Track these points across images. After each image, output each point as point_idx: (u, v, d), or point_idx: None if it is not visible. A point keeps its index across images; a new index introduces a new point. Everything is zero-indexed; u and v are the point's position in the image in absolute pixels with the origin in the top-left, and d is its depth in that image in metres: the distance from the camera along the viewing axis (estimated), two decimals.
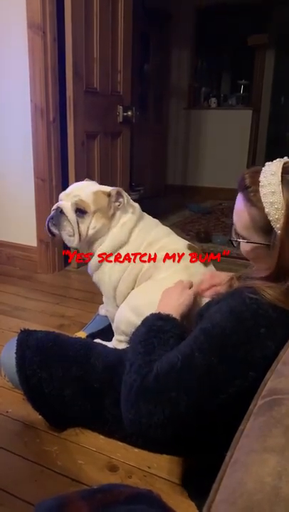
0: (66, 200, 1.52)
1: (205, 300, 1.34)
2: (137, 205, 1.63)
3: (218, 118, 5.47)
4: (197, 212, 4.59)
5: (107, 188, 1.56)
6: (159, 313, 1.13)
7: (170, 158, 5.79)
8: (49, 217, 1.53)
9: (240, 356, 0.92)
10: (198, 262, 1.52)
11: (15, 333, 1.39)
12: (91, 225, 1.51)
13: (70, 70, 2.44)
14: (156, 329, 1.06)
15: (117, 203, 1.53)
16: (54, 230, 1.53)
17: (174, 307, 1.19)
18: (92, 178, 2.72)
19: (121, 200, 1.53)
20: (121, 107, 2.88)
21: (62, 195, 1.56)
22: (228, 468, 0.59)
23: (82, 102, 2.56)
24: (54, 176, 2.59)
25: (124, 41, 2.84)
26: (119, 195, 1.52)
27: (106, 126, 2.81)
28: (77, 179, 2.58)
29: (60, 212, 1.50)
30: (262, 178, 0.97)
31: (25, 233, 2.73)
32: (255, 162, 5.56)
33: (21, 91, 2.48)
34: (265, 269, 1.04)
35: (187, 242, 1.61)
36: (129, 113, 2.93)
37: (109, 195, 1.52)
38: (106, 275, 1.57)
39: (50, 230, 1.55)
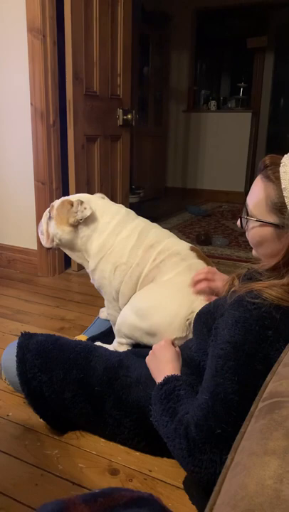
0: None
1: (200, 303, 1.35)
2: (123, 210, 1.64)
3: (217, 121, 5.49)
4: (197, 215, 4.59)
5: (75, 197, 1.64)
6: (158, 383, 1.10)
7: (170, 160, 5.80)
8: None
9: (259, 364, 0.92)
10: (202, 263, 1.52)
11: (15, 336, 1.40)
12: (54, 230, 1.63)
13: (70, 74, 2.44)
14: (164, 395, 1.04)
15: (78, 214, 1.55)
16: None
17: (164, 368, 1.14)
18: (92, 181, 2.75)
19: (78, 210, 1.54)
20: (121, 110, 2.89)
21: None
22: (229, 471, 0.59)
23: (82, 106, 2.57)
24: (54, 179, 2.59)
25: (124, 44, 2.85)
26: (79, 204, 1.55)
27: (106, 129, 2.81)
28: (77, 182, 2.59)
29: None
30: (284, 159, 0.99)
31: (25, 236, 2.74)
32: (255, 164, 5.57)
33: (21, 94, 2.49)
34: (270, 256, 1.03)
35: (189, 244, 1.61)
36: (129, 116, 2.93)
37: (72, 204, 1.57)
38: (106, 280, 1.57)
39: None
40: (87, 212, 1.55)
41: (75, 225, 1.58)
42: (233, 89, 6.21)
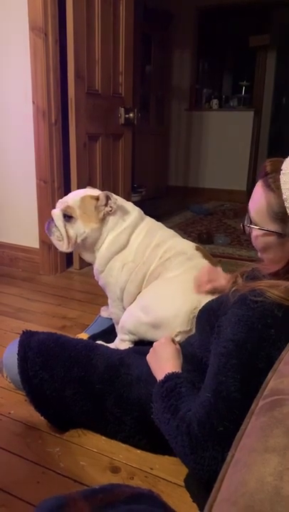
0: (58, 207, 1.58)
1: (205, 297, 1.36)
2: (136, 208, 1.64)
3: (219, 119, 5.48)
4: (199, 214, 4.59)
5: (97, 192, 1.58)
6: (159, 380, 1.10)
7: (172, 159, 5.79)
8: (46, 226, 1.61)
9: (262, 363, 0.92)
10: (207, 263, 1.55)
11: (17, 334, 1.40)
12: (80, 230, 1.54)
13: (72, 72, 2.45)
14: (165, 393, 1.04)
15: (109, 208, 1.53)
16: (48, 236, 1.60)
17: (164, 366, 1.14)
18: (94, 180, 2.75)
19: (111, 203, 1.53)
20: (123, 108, 2.89)
21: (58, 202, 1.61)
22: (229, 468, 0.59)
23: (84, 104, 2.57)
24: (56, 177, 2.59)
25: (126, 43, 2.85)
26: (108, 198, 1.53)
27: (108, 127, 2.81)
28: (79, 181, 2.59)
29: (52, 219, 1.57)
30: (284, 166, 0.98)
31: (27, 235, 2.74)
32: (257, 163, 5.56)
33: (23, 93, 2.49)
34: (274, 262, 1.03)
35: (194, 244, 1.64)
36: (131, 115, 2.93)
37: (97, 199, 1.53)
38: (113, 278, 1.58)
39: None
40: (119, 202, 1.53)
41: (103, 220, 1.54)
42: (235, 87, 6.20)
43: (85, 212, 1.54)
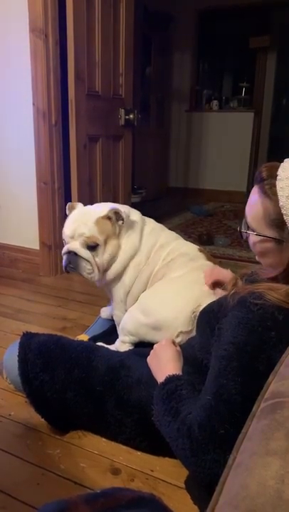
0: (73, 241, 1.50)
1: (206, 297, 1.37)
2: (135, 210, 1.65)
3: (219, 120, 5.48)
4: (199, 215, 4.59)
5: (103, 211, 1.52)
6: (160, 383, 1.10)
7: (172, 160, 5.79)
8: (65, 263, 1.53)
9: (262, 365, 0.92)
10: (210, 264, 1.56)
11: (17, 335, 1.40)
12: (105, 253, 1.51)
13: (72, 74, 2.44)
14: (166, 395, 1.04)
15: (120, 221, 1.53)
16: (73, 272, 1.54)
17: (165, 368, 1.14)
18: (94, 181, 2.75)
19: (122, 215, 1.52)
20: (123, 110, 2.89)
21: (66, 237, 1.53)
22: (230, 471, 0.59)
23: (84, 105, 2.57)
24: (56, 178, 2.59)
25: (126, 44, 2.84)
26: (117, 214, 1.52)
27: (108, 129, 2.81)
28: (80, 182, 2.59)
29: (75, 254, 1.50)
30: (280, 171, 0.98)
31: (27, 236, 2.74)
32: (257, 164, 5.56)
33: (24, 94, 2.49)
34: (272, 267, 1.04)
35: (197, 246, 1.65)
36: (131, 116, 2.93)
37: (109, 218, 1.52)
38: (119, 281, 1.59)
39: (68, 272, 1.56)
40: (127, 215, 1.53)
41: (119, 235, 1.54)
42: (235, 89, 6.19)
43: (106, 234, 1.50)
